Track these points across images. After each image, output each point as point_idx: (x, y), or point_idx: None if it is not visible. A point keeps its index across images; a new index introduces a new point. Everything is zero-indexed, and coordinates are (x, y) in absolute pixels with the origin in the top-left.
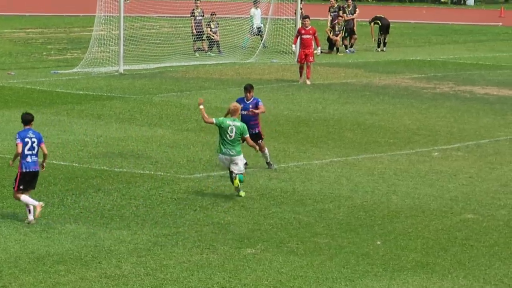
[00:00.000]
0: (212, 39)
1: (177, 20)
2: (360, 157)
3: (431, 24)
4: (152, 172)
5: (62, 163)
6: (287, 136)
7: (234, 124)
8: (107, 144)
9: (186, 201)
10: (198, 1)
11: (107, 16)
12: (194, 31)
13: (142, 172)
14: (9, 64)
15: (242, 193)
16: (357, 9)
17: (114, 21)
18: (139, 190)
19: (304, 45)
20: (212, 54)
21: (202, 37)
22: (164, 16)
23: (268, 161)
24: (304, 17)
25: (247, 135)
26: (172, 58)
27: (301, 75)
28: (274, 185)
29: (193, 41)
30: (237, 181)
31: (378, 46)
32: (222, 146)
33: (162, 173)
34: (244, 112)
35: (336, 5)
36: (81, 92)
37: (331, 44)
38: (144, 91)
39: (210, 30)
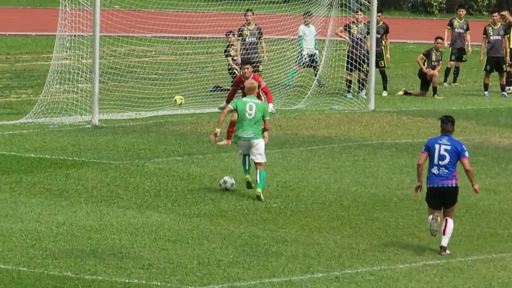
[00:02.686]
0: (235, 72)
1: (183, 43)
2: (471, 259)
3: None
4: (144, 282)
5: (1, 266)
6: (356, 226)
7: (253, 101)
8: (73, 236)
9: None
10: (250, 13)
11: (75, 36)
12: (238, 60)
13: (127, 280)
14: None
15: (262, 197)
16: None
17: (86, 44)
18: None
19: None
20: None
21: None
22: (162, 37)
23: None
24: (244, 62)
25: (268, 118)
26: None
27: None
28: None
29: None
30: (259, 190)
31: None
32: (239, 130)
33: (158, 283)
34: None
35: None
36: (32, 155)
37: (425, 81)
38: (131, 153)
39: (232, 60)
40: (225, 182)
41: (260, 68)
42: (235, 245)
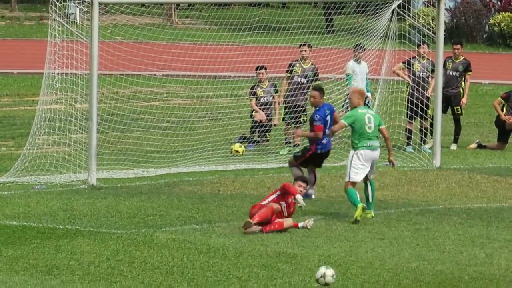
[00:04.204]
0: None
1: (202, 83)
2: None
3: None
4: None
5: None
6: None
7: (369, 112)
8: None
9: None
10: (306, 47)
11: (67, 74)
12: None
13: None
14: None
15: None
16: None
17: (81, 85)
18: None
19: None
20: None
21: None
22: (176, 76)
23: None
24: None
25: (384, 126)
26: (194, 158)
27: None
28: None
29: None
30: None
31: None
32: (363, 140)
33: None
34: None
35: None
36: (15, 223)
37: (503, 131)
38: (138, 221)
39: (257, 100)
40: (324, 276)
41: (302, 118)
42: None
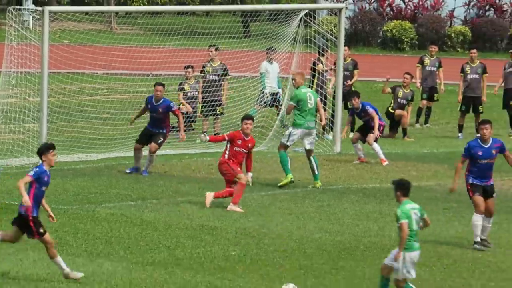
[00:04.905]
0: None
1: (136, 81)
2: None
3: None
4: None
5: None
6: (320, 276)
7: (309, 91)
8: (20, 287)
9: None
10: (213, 48)
11: (22, 73)
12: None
13: None
14: None
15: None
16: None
17: (33, 81)
18: None
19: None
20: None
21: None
22: (115, 74)
23: None
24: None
25: (319, 98)
26: (129, 144)
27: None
28: None
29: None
30: (319, 183)
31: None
32: (303, 118)
33: None
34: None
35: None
36: None
37: (393, 122)
38: (81, 198)
39: (184, 94)
40: None
41: (218, 110)
42: None
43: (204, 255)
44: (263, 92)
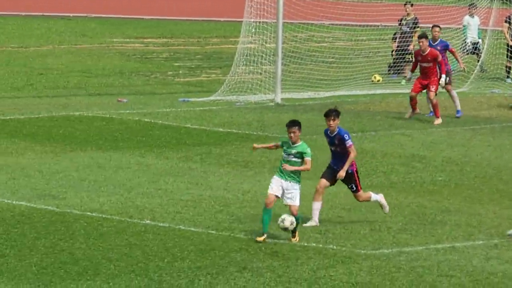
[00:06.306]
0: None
1: (358, 31)
2: None
3: None
4: (321, 245)
5: (192, 229)
6: None
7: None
8: (258, 203)
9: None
10: (409, 5)
11: (260, 22)
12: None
13: (306, 244)
14: (120, 87)
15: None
16: None
17: (270, 30)
18: (301, 271)
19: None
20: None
21: (403, 58)
22: (339, 24)
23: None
24: (420, 36)
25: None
26: (351, 84)
27: (413, 109)
28: (494, 268)
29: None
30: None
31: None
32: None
33: (334, 247)
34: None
35: None
36: (221, 130)
37: None
38: (310, 129)
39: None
40: (283, 220)
41: (407, 58)
42: (403, 214)
43: (415, 180)
44: (465, 42)
